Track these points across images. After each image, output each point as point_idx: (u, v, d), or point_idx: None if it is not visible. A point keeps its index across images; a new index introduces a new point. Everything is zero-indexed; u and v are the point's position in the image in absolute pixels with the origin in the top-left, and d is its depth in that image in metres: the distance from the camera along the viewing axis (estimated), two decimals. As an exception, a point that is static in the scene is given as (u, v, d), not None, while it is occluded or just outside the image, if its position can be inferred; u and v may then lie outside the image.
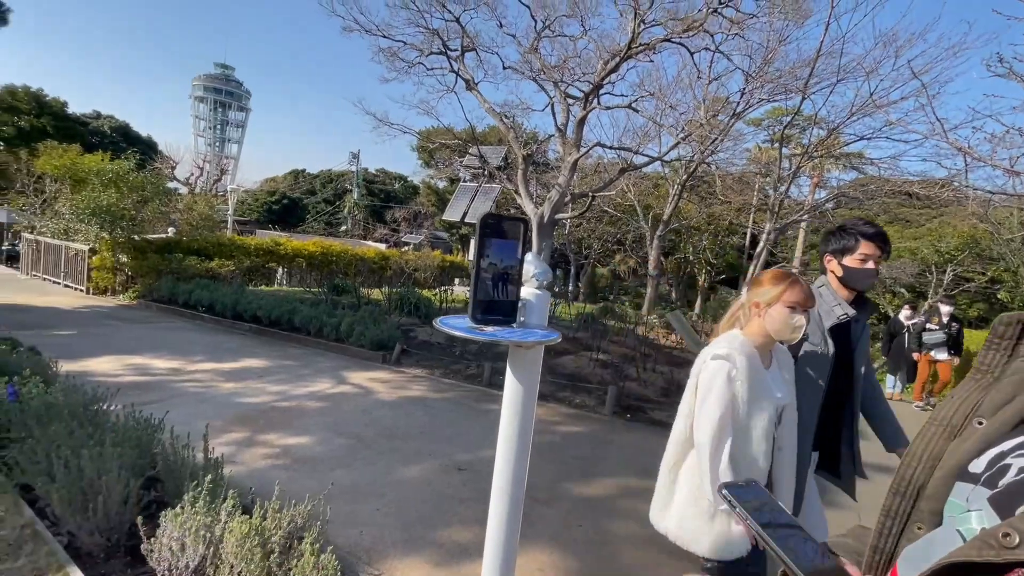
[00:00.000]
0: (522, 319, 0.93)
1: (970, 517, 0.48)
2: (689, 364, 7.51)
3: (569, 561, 2.89)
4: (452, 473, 3.84)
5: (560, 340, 0.88)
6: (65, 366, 5.64)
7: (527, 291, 0.95)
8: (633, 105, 14.26)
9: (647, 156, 14.71)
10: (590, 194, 14.84)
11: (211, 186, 26.68)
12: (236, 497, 2.25)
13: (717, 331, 2.12)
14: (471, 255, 1.04)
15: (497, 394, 5.89)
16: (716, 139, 14.91)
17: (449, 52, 15.00)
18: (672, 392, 6.74)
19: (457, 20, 14.26)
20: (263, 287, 13.58)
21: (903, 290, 21.58)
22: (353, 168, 39.52)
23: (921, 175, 15.92)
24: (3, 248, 18.72)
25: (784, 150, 18.61)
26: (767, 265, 18.63)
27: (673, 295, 26.62)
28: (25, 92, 26.23)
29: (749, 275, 17.43)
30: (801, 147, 20.11)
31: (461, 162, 20.63)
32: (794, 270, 25.43)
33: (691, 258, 24.87)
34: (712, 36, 13.03)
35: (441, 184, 35.21)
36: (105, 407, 3.59)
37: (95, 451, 2.41)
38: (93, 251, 11.93)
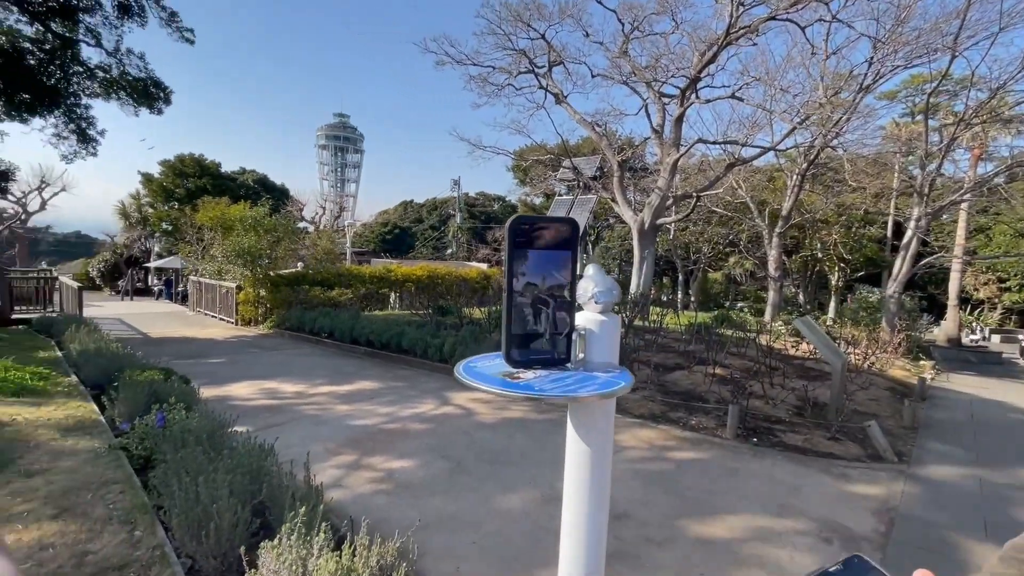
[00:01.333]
0: (580, 356, 0.69)
1: None
2: (826, 377, 6.55)
3: (690, 619, 2.47)
4: (552, 503, 3.57)
5: (629, 387, 0.62)
6: (211, 391, 6.39)
7: (586, 317, 0.70)
8: (737, 94, 13.13)
9: (758, 147, 13.41)
10: (695, 194, 13.86)
11: (332, 222, 29.66)
12: (328, 531, 2.22)
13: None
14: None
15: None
16: (840, 119, 13.14)
17: (536, 69, 15.11)
18: (807, 410, 5.84)
19: (543, 36, 14.34)
20: (377, 312, 14.53)
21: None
22: (455, 194, 41.51)
23: None
24: (179, 289, 22.36)
25: (931, 122, 15.86)
26: (918, 257, 15.88)
27: (801, 298, 23.82)
28: (191, 159, 31.57)
29: (896, 270, 14.95)
30: (954, 115, 17.04)
31: (555, 176, 20.58)
32: (956, 261, 21.52)
33: (819, 255, 22.09)
34: (827, 4, 11.59)
35: (538, 200, 35.53)
36: (230, 431, 3.90)
37: (210, 477, 2.55)
38: (239, 287, 13.67)
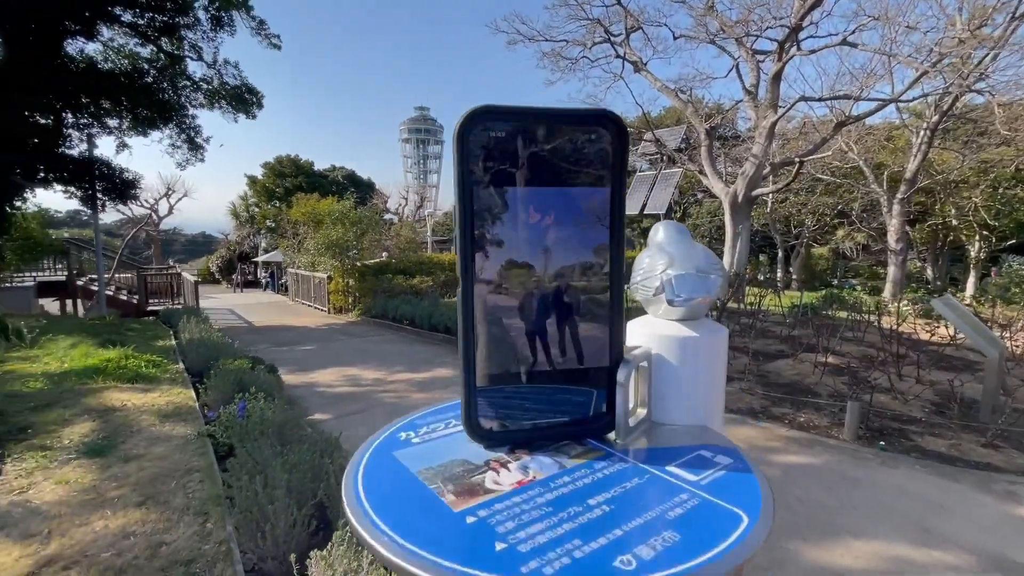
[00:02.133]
0: (641, 412, 0.32)
1: None
2: (972, 368, 5.44)
3: (810, 676, 1.99)
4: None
5: (758, 529, 0.25)
6: (298, 378, 6.68)
7: (651, 331, 0.34)
8: (848, 39, 11.37)
9: (875, 99, 11.59)
10: (796, 160, 12.33)
11: (415, 213, 30.59)
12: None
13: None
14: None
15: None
16: (985, 58, 10.93)
17: (613, 38, 14.20)
18: (951, 410, 4.85)
19: (618, 2, 13.41)
20: (455, 298, 14.70)
21: None
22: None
23: None
24: (282, 281, 24.36)
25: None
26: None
27: (929, 273, 20.71)
28: (287, 159, 34.09)
29: (1062, 236, 12.34)
30: None
31: (636, 151, 19.44)
32: None
33: (954, 222, 18.95)
34: (969, -83, 9.56)
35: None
36: (308, 419, 3.93)
37: (269, 475, 2.48)
38: (329, 278, 14.43)
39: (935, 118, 13.25)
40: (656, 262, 0.33)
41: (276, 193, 31.23)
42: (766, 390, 5.47)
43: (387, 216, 26.68)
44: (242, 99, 13.58)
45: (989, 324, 7.34)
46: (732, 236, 12.41)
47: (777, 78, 12.06)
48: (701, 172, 13.54)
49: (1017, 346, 7.09)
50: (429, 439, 0.33)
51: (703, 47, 13.85)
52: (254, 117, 13.83)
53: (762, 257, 25.47)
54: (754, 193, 12.53)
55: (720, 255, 13.82)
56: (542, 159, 0.28)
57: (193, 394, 5.01)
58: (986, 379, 4.75)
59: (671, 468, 0.28)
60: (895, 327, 7.51)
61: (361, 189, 29.93)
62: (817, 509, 3.27)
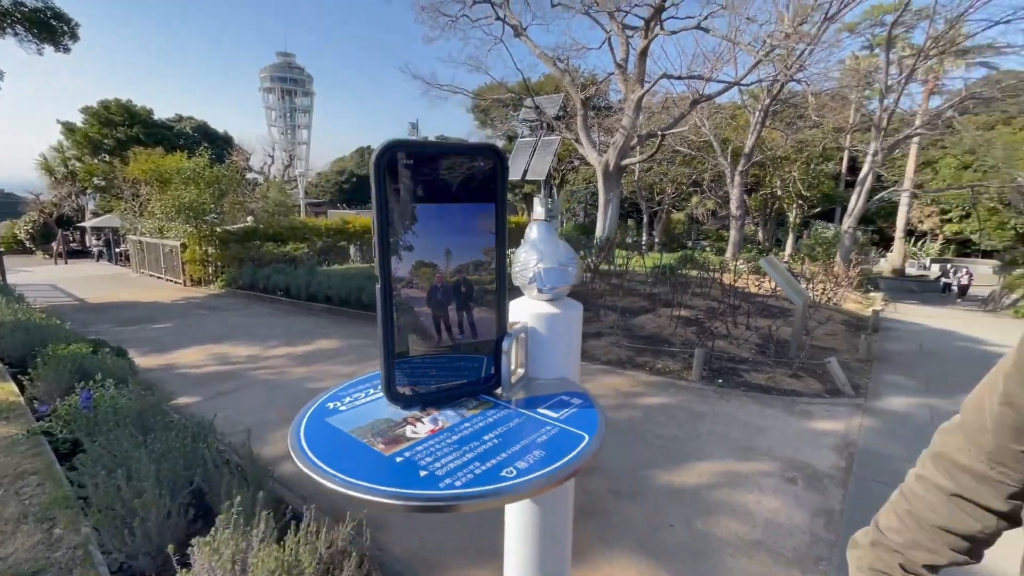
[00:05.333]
0: (519, 371, 0.43)
1: None
2: (787, 314, 6.61)
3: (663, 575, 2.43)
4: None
5: (596, 441, 0.37)
6: (155, 360, 5.96)
7: (527, 308, 0.44)
8: (702, 24, 12.56)
9: (722, 82, 13.05)
10: (659, 133, 13.51)
11: (283, 172, 27.87)
12: (269, 520, 2.00)
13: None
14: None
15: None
16: (804, 51, 12.84)
17: (493, -2, 14.00)
18: (769, 349, 5.92)
19: (498, -40, 13.18)
20: (336, 266, 13.96)
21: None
22: (413, 138, 39.69)
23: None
24: (121, 250, 20.89)
25: (890, 54, 15.76)
26: (872, 192, 16.26)
27: (760, 236, 24.35)
28: (117, 104, 28.52)
29: (852, 205, 15.28)
30: (911, 48, 17.02)
31: (517, 116, 19.69)
32: (905, 194, 22.19)
33: (779, 193, 22.40)
34: (796, -77, 10.95)
35: (500, 143, 34.36)
36: (172, 403, 3.58)
37: (133, 467, 2.27)
38: (184, 246, 12.77)
39: (767, 101, 15.31)
40: (530, 257, 0.43)
41: (104, 145, 26.20)
42: (631, 342, 6.16)
43: (251, 176, 23.94)
44: (46, 25, 11.06)
45: (798, 278, 8.94)
46: (604, 202, 13.34)
47: (644, 54, 12.94)
48: (577, 141, 14.21)
49: (818, 295, 8.76)
50: (353, 407, 0.40)
51: (579, 18, 14.28)
52: (67, 50, 11.40)
53: (630, 221, 27.78)
54: (624, 162, 13.51)
55: (595, 220, 14.74)
56: (442, 181, 0.36)
57: (15, 388, 4.24)
58: (794, 323, 5.86)
59: (540, 410, 0.39)
60: (733, 283, 8.82)
61: (216, 144, 26.37)
62: (670, 441, 3.85)
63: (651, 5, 12.39)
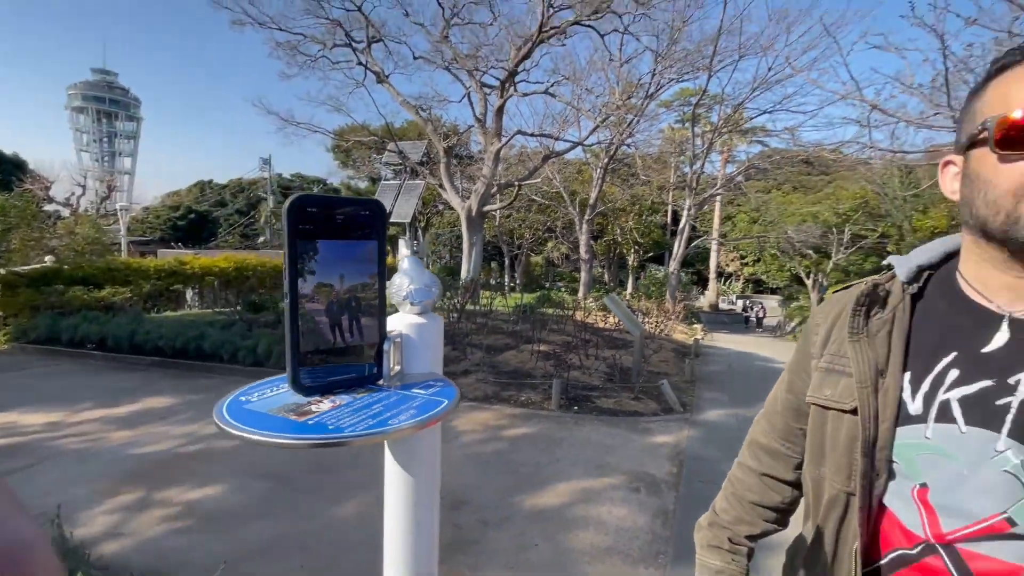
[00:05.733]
0: (396, 368, 0.57)
1: (1005, 455, 0.55)
2: (630, 345, 7.47)
3: (527, 590, 2.58)
4: (390, 504, 3.42)
5: (456, 403, 0.53)
6: None
7: (402, 321, 0.59)
8: (550, 90, 14.15)
9: (568, 141, 14.70)
10: (516, 183, 14.61)
11: (99, 205, 23.74)
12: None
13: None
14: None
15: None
16: (632, 121, 15.16)
17: (354, 44, 14.13)
18: (616, 376, 6.65)
19: (359, 9, 13.43)
20: (168, 313, 12.21)
21: (811, 252, 23.27)
22: (265, 175, 36.97)
23: (818, 144, 17.06)
24: None
25: (695, 129, 19.35)
26: (690, 240, 19.36)
27: (606, 277, 27.18)
28: None
29: (675, 251, 18.01)
30: (710, 125, 21.05)
31: (380, 159, 19.70)
32: (713, 242, 26.73)
33: (619, 239, 25.44)
34: (620, 17, 13.15)
35: (363, 184, 33.74)
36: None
37: None
38: (-54, 292, 10.12)
39: (605, 160, 17.58)
40: (403, 281, 0.58)
41: None
42: (496, 378, 6.43)
43: (51, 207, 19.91)
44: None
45: (636, 312, 10.20)
46: (468, 246, 13.87)
47: (500, 111, 14.06)
48: (441, 186, 14.68)
49: (652, 327, 10.09)
50: (263, 398, 0.50)
51: (441, 71, 15.07)
52: None
53: (493, 264, 29.00)
54: (485, 208, 14.28)
55: (460, 262, 15.15)
56: (338, 224, 0.50)
57: None
58: (634, 352, 6.69)
59: (414, 390, 0.54)
60: (584, 319, 9.74)
61: (3, 168, 21.62)
62: (533, 468, 4.11)
63: (505, 69, 13.62)
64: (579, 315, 10.28)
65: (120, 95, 74.23)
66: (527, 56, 13.21)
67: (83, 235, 14.92)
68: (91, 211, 21.28)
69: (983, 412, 0.58)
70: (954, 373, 0.61)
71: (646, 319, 10.43)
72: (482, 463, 4.16)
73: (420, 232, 25.47)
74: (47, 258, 13.35)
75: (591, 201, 18.43)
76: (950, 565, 0.58)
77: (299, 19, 13.88)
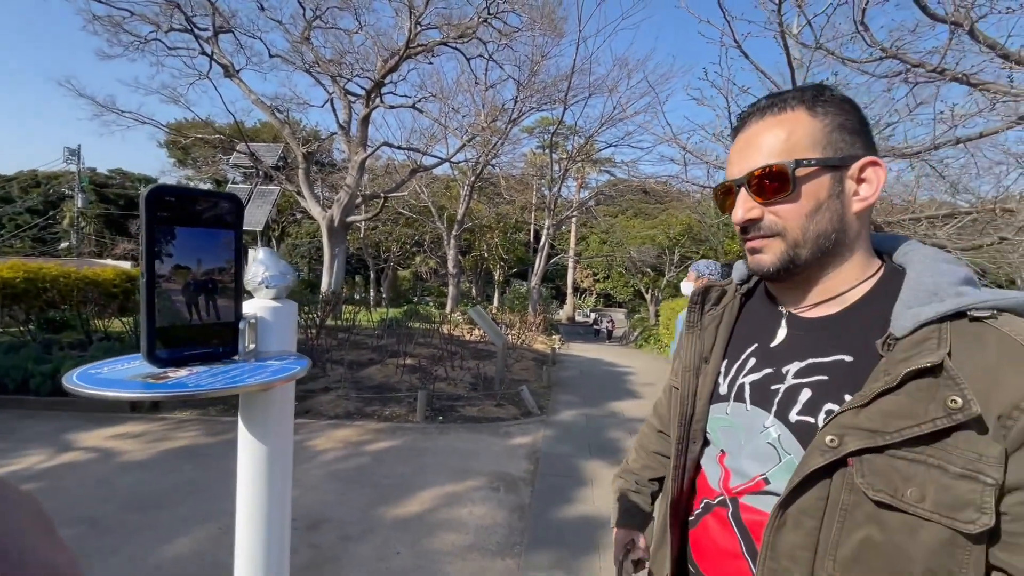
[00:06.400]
0: (251, 346, 0.64)
1: (768, 431, 0.69)
2: (494, 355, 7.76)
3: (388, 597, 2.58)
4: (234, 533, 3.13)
5: (308, 369, 0.61)
6: None
7: (257, 305, 0.66)
8: (417, 105, 14.24)
9: (436, 157, 14.91)
10: (382, 195, 14.34)
11: None
12: None
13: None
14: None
15: (298, 422, 5.14)
16: (497, 143, 15.92)
17: (197, 30, 12.70)
18: (480, 385, 6.88)
19: (203, -7, 12.14)
20: (-82, 335, 9.51)
21: (649, 270, 26.52)
22: (73, 168, 30.82)
23: (652, 175, 19.63)
24: None
25: (554, 155, 20.97)
26: (549, 257, 20.76)
27: (474, 291, 27.75)
28: None
29: (536, 267, 19.18)
30: (566, 153, 22.96)
31: (227, 160, 17.78)
32: (570, 260, 28.95)
33: (486, 255, 26.25)
34: (485, 44, 13.81)
35: (205, 186, 29.98)
36: None
37: None
38: None
39: (472, 178, 18.13)
40: (259, 268, 0.65)
41: None
42: (359, 393, 6.23)
43: None
44: None
45: (500, 325, 10.64)
46: (330, 257, 13.19)
47: (365, 121, 13.75)
48: (299, 194, 13.79)
49: (514, 338, 10.61)
50: (115, 371, 0.53)
51: (300, 73, 14.25)
52: None
53: (358, 278, 27.79)
54: (348, 219, 13.74)
55: (320, 275, 14.29)
56: (197, 213, 0.56)
57: None
58: (497, 362, 7.00)
59: (268, 362, 0.61)
60: (451, 332, 9.88)
61: None
62: (398, 479, 4.08)
63: (371, 79, 13.39)
64: (447, 328, 10.40)
65: None
66: (394, 69, 13.16)
67: None
68: None
69: (762, 394, 0.71)
70: (751, 362, 0.74)
71: (509, 331, 10.95)
72: (343, 480, 4.01)
73: (273, 242, 23.41)
74: None
75: (459, 217, 18.80)
76: (731, 512, 0.72)
77: (124, -7, 12.07)
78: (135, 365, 0.56)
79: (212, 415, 5.70)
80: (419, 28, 12.69)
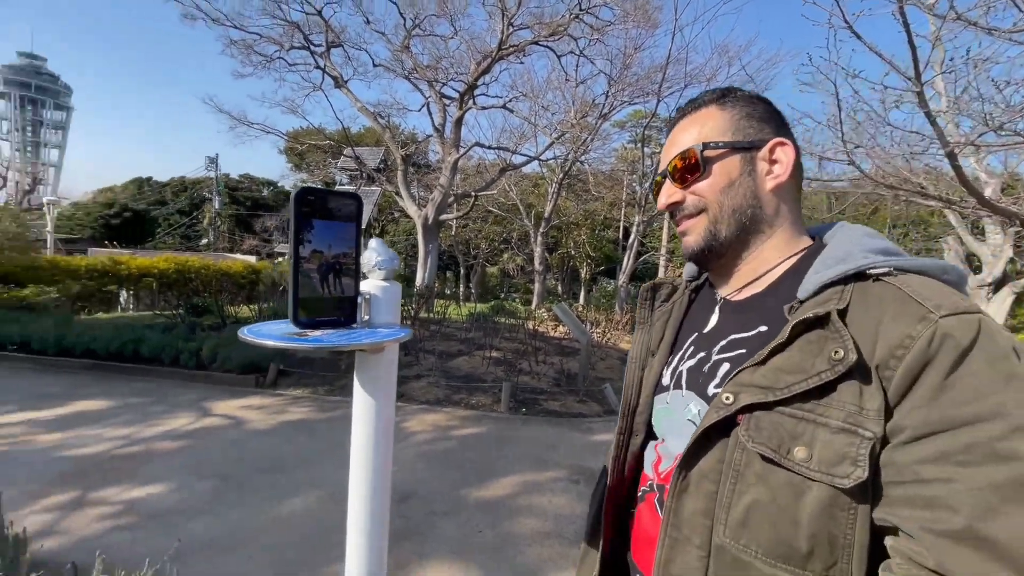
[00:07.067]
0: (365, 318, 0.77)
1: (689, 408, 0.70)
2: (578, 352, 7.78)
3: (472, 571, 2.75)
4: (338, 500, 3.50)
5: (408, 337, 0.74)
6: None
7: (370, 284, 0.79)
8: (507, 105, 14.54)
9: (525, 155, 15.11)
10: (473, 194, 14.85)
11: (21, 198, 22.00)
12: (41, 580, 1.77)
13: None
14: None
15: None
16: (587, 139, 15.78)
17: (313, 47, 14.02)
18: (562, 381, 6.94)
19: (319, 13, 13.37)
20: (101, 314, 11.56)
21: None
22: (211, 174, 35.46)
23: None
24: None
25: (646, 149, 20.33)
26: (639, 255, 20.20)
27: (559, 289, 27.78)
28: None
29: (624, 265, 18.77)
30: (660, 146, 22.13)
31: (336, 164, 19.45)
32: (661, 258, 27.92)
33: (572, 252, 26.13)
34: (576, 41, 13.75)
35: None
36: None
37: None
38: None
39: (561, 175, 18.14)
40: (372, 254, 0.79)
41: None
42: (448, 382, 6.57)
43: (-36, 199, 18.25)
44: None
45: (586, 323, 10.59)
46: (424, 254, 13.93)
47: (459, 123, 14.31)
48: (397, 194, 14.70)
49: (599, 335, 10.51)
50: (271, 330, 0.69)
51: (400, 80, 15.16)
52: None
53: (449, 273, 29.02)
54: (441, 218, 14.41)
55: (415, 270, 15.16)
56: (329, 209, 0.70)
57: None
58: (581, 358, 7.01)
59: (379, 329, 0.74)
60: (536, 328, 10.03)
61: (-94, 154, 19.66)
62: (481, 464, 4.28)
63: (465, 82, 13.91)
64: (531, 324, 10.57)
65: (48, 82, 69.19)
66: (487, 71, 13.56)
67: (2, 230, 13.90)
68: (12, 204, 19.73)
69: (693, 378, 0.72)
70: (690, 350, 0.76)
71: (595, 329, 10.87)
72: (431, 461, 4.30)
73: (373, 239, 25.15)
74: (-41, 253, 12.36)
75: (546, 214, 18.92)
76: (658, 497, 0.72)
77: (256, 18, 13.66)
78: (283, 326, 0.71)
79: (321, 394, 6.34)
80: (511, 29, 12.96)
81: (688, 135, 0.74)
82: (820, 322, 0.57)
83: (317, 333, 0.68)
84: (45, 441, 4.53)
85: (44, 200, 18.41)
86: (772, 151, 0.71)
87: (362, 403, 0.79)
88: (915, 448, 0.50)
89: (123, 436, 4.69)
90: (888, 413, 0.52)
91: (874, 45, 2.90)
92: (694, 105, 0.76)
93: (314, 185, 0.69)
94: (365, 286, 0.79)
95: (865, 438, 0.51)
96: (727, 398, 0.60)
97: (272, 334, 0.66)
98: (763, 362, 0.60)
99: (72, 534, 2.99)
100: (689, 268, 0.87)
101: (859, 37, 2.69)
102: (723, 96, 0.74)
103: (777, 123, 0.73)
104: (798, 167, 0.72)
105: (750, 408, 0.58)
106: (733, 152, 0.71)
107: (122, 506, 3.35)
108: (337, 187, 18.45)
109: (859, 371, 0.54)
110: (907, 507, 0.50)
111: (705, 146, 0.71)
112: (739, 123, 0.72)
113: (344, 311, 0.75)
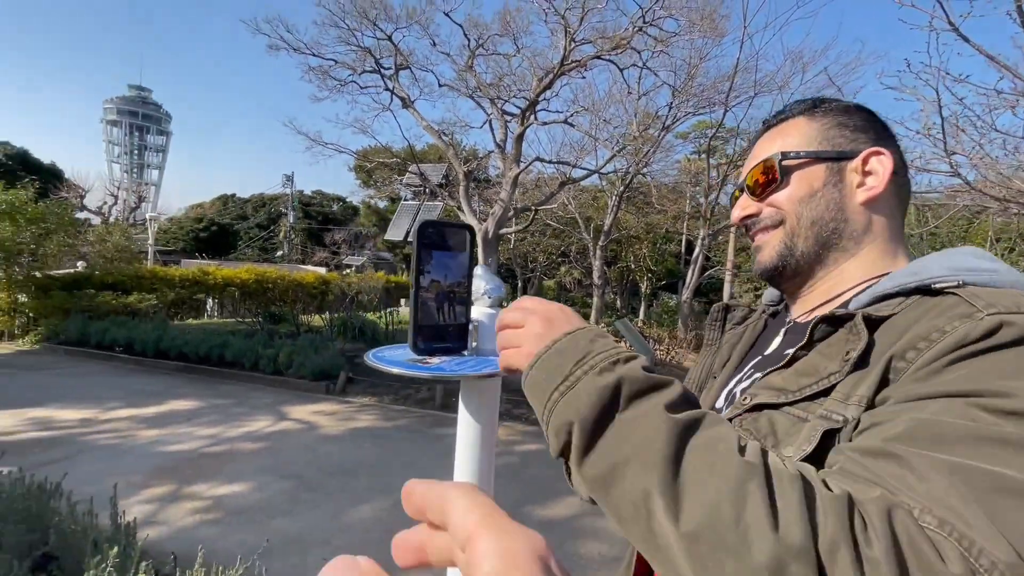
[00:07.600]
0: (475, 344, 0.79)
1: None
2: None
3: (537, 592, 2.71)
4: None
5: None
6: (-56, 427, 4.90)
7: (479, 311, 0.81)
8: (569, 120, 14.58)
9: (585, 169, 15.05)
10: (532, 208, 14.95)
11: (128, 215, 24.62)
12: (150, 571, 1.93)
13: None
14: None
15: (451, 416, 5.66)
16: (649, 151, 15.51)
17: (383, 70, 14.77)
18: (626, 400, 6.77)
19: (389, 38, 14.10)
20: (191, 320, 12.62)
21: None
22: (287, 191, 37.99)
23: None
24: None
25: (711, 160, 19.68)
26: (703, 270, 19.48)
27: (618, 303, 27.25)
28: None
29: (688, 279, 18.14)
30: (726, 157, 21.36)
31: (401, 180, 20.27)
32: (727, 273, 26.78)
33: (632, 266, 25.60)
34: (639, 53, 13.61)
35: (382, 204, 34.51)
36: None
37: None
38: (-17, 293, 10.60)
39: (621, 188, 17.91)
40: (480, 283, 0.81)
41: None
42: (508, 395, 6.58)
43: (82, 215, 20.73)
44: None
45: (648, 339, 10.31)
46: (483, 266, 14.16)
47: (520, 138, 14.51)
48: (459, 208, 15.06)
49: (662, 353, 10.19)
50: (394, 355, 0.72)
51: (463, 98, 15.62)
52: None
53: (507, 286, 29.23)
54: (501, 231, 14.60)
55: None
56: (446, 240, 0.73)
57: None
58: (645, 377, 6.82)
59: (488, 358, 0.76)
60: (596, 343, 9.87)
61: (41, 176, 22.63)
62: (544, 481, 4.24)
63: (526, 98, 14.12)
64: (590, 339, 10.43)
65: (153, 110, 77.20)
66: (548, 87, 13.69)
67: (114, 243, 15.54)
68: (121, 220, 22.09)
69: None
70: (749, 371, 0.72)
71: (658, 347, 10.55)
72: (495, 475, 4.30)
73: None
74: (79, 264, 13.94)
75: (605, 228, 18.70)
76: None
77: (332, 46, 14.58)
78: (400, 353, 0.74)
79: (386, 403, 6.54)
80: (573, 45, 13.04)
81: (770, 146, 0.71)
82: (844, 324, 0.55)
83: (436, 361, 0.71)
84: (146, 436, 4.97)
85: (147, 216, 20.43)
86: (866, 161, 0.65)
87: (467, 427, 0.81)
88: (882, 411, 0.46)
89: (210, 435, 5.06)
90: (874, 396, 0.48)
91: (982, 48, 2.66)
92: (780, 117, 0.73)
93: (431, 219, 0.72)
94: (474, 313, 0.81)
95: (834, 423, 0.48)
96: (745, 399, 0.60)
97: (398, 361, 0.69)
98: (787, 365, 0.59)
99: (169, 525, 3.24)
100: (770, 293, 0.83)
101: (967, 40, 2.47)
102: (813, 107, 0.71)
103: (877, 133, 0.68)
104: (899, 179, 0.66)
105: (760, 407, 0.57)
106: (817, 162, 0.67)
107: (211, 501, 3.60)
108: (402, 203, 19.24)
109: (863, 361, 0.50)
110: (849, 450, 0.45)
111: (784, 155, 0.67)
112: (828, 132, 0.68)
113: (457, 338, 0.77)
